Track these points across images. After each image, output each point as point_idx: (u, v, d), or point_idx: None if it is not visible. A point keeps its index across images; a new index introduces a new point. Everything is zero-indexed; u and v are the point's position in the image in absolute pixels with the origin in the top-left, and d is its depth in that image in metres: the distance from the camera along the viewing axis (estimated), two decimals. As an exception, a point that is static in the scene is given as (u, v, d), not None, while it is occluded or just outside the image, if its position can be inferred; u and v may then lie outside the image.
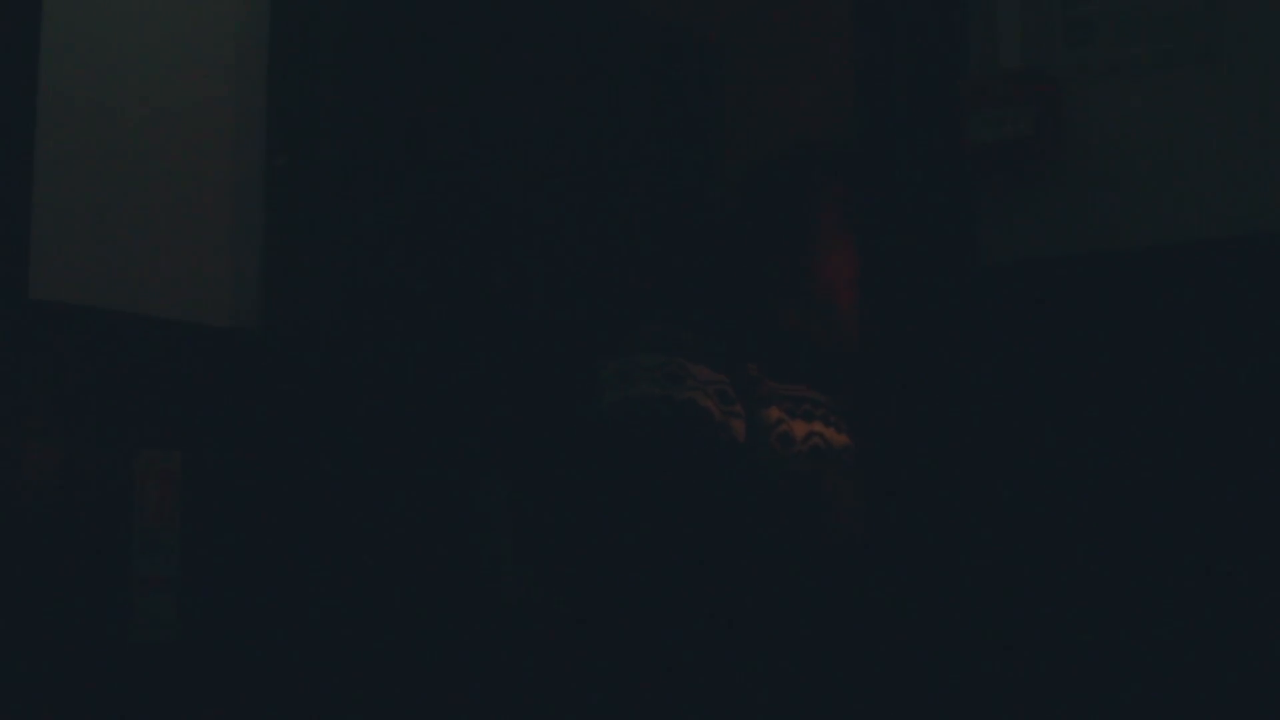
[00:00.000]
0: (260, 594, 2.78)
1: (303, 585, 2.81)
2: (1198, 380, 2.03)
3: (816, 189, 2.58)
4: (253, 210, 2.90)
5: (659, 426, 2.29)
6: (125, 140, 2.70)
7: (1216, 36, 2.09)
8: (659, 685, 2.34)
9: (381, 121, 2.97)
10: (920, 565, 2.17)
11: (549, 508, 2.71)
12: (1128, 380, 2.07)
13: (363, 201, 2.94)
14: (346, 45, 2.95)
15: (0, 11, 2.43)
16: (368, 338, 2.91)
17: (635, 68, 3.34)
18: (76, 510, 2.53)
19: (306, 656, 2.78)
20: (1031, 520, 2.12)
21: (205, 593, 2.71)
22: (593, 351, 2.48)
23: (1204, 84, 2.11)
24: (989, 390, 2.16)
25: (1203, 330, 2.03)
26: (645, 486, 2.30)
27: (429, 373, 2.95)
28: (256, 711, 2.72)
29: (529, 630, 2.69)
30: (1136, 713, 1.99)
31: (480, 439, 2.92)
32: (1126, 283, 2.10)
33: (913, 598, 2.16)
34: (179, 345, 2.72)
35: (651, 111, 3.30)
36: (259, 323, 2.88)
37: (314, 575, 2.82)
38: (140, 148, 2.73)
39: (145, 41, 2.75)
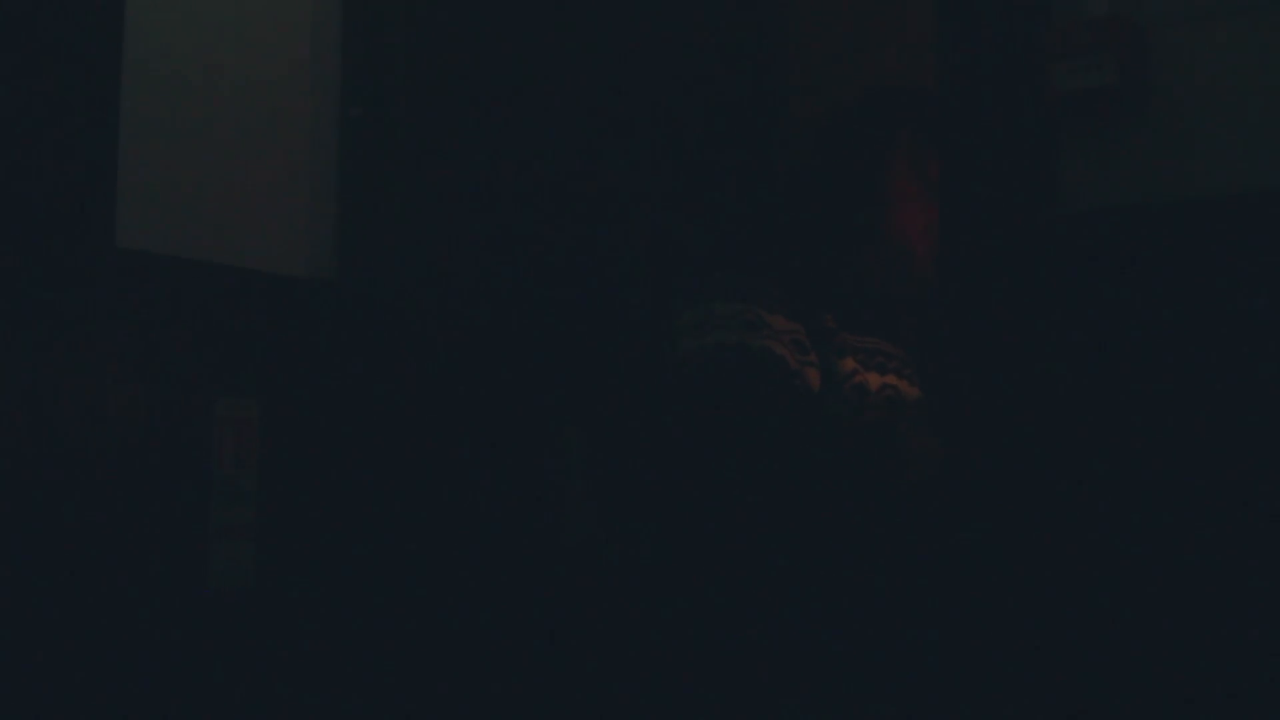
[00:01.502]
0: (336, 541, 2.81)
1: (378, 533, 2.83)
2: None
3: (890, 135, 2.57)
4: (328, 162, 2.92)
5: (733, 373, 2.30)
6: (206, 95, 2.73)
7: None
8: (731, 632, 2.36)
9: (454, 72, 2.98)
10: (994, 512, 2.18)
11: (624, 457, 2.73)
12: (1211, 327, 2.07)
13: (436, 151, 2.95)
14: (420, -2, 2.96)
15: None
16: (442, 286, 2.92)
17: (703, 13, 3.33)
18: (156, 457, 2.56)
19: (381, 604, 2.81)
20: (1109, 468, 2.12)
21: (281, 539, 2.74)
22: (669, 299, 2.49)
23: (1287, 32, 2.10)
24: (1070, 336, 2.16)
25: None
26: (719, 433, 2.31)
27: (504, 321, 2.96)
28: (331, 657, 2.76)
29: (602, 578, 2.71)
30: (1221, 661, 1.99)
31: (556, 389, 2.93)
32: (1210, 230, 2.09)
33: (986, 546, 2.16)
34: (257, 294, 2.75)
35: (718, 57, 3.29)
36: (335, 272, 2.90)
37: (389, 523, 2.84)
38: (220, 102, 2.75)
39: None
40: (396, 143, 2.92)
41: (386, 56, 2.93)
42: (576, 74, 3.12)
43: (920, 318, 2.62)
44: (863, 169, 2.56)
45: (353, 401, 2.84)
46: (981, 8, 2.22)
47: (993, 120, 2.19)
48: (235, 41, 2.78)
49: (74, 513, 2.42)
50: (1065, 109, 2.16)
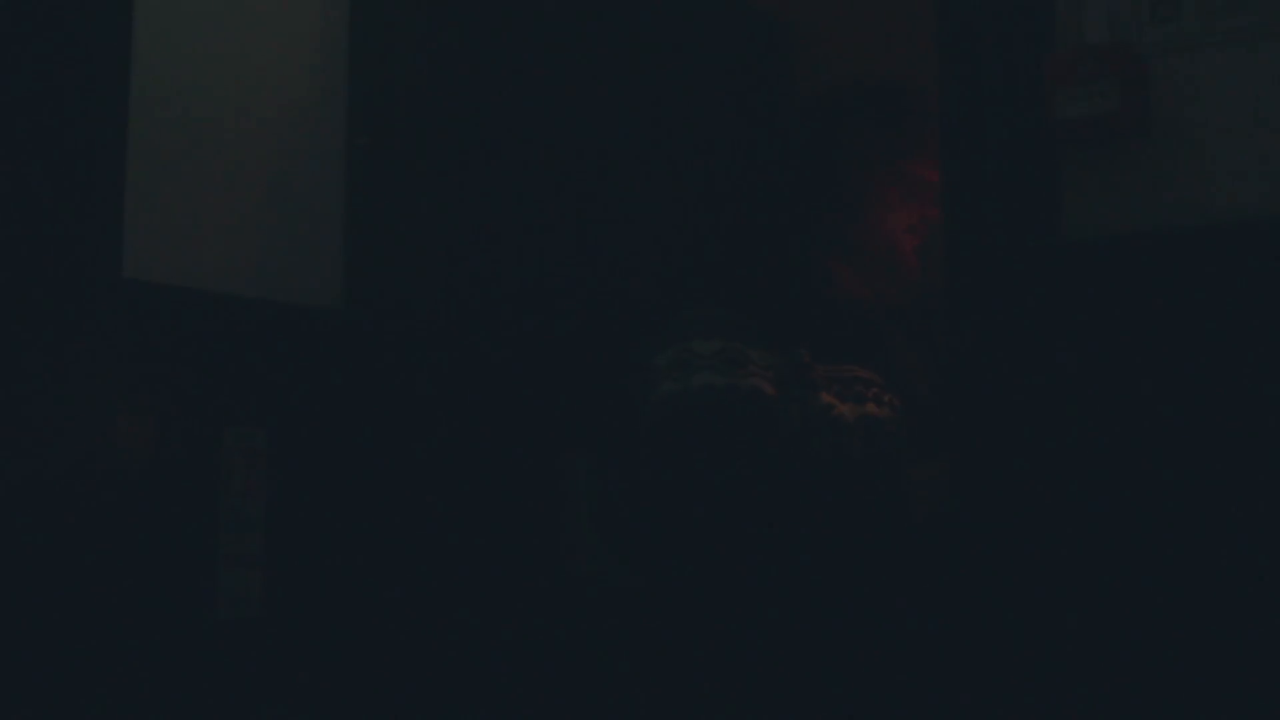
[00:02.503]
0: (344, 571, 2.81)
1: (385, 562, 2.84)
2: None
3: (850, 134, 2.51)
4: (335, 191, 2.94)
5: (724, 416, 2.22)
6: (213, 123, 2.74)
7: (1305, 10, 2.09)
8: (730, 661, 2.35)
9: (461, 101, 3.00)
10: (1001, 543, 2.17)
11: (627, 486, 2.73)
12: (1213, 357, 2.06)
13: (444, 180, 2.97)
14: (427, 26, 2.98)
15: (96, -3, 2.48)
16: (449, 316, 2.93)
17: (697, 46, 3.36)
18: (164, 486, 2.57)
19: (388, 633, 2.81)
20: (1110, 499, 2.11)
21: (289, 570, 2.74)
22: (639, 338, 2.39)
23: (1292, 58, 2.10)
24: (1072, 366, 2.15)
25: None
26: (706, 480, 2.26)
27: (510, 350, 2.97)
28: (339, 688, 2.75)
29: (606, 607, 2.70)
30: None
31: (562, 418, 2.94)
32: (1213, 258, 2.09)
33: (992, 579, 2.16)
34: (265, 324, 2.76)
35: (725, 98, 3.32)
36: (343, 302, 2.91)
37: (397, 552, 2.84)
38: (227, 130, 2.77)
39: (231, 26, 2.79)
40: (403, 172, 2.94)
41: (394, 86, 2.95)
42: (584, 103, 3.14)
43: (910, 325, 2.57)
44: (821, 172, 2.49)
45: (360, 430, 2.85)
46: (982, 33, 2.22)
47: (994, 146, 2.19)
48: (242, 71, 2.80)
49: (81, 542, 2.43)
50: (1067, 136, 2.15)
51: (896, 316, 2.54)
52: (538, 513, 2.91)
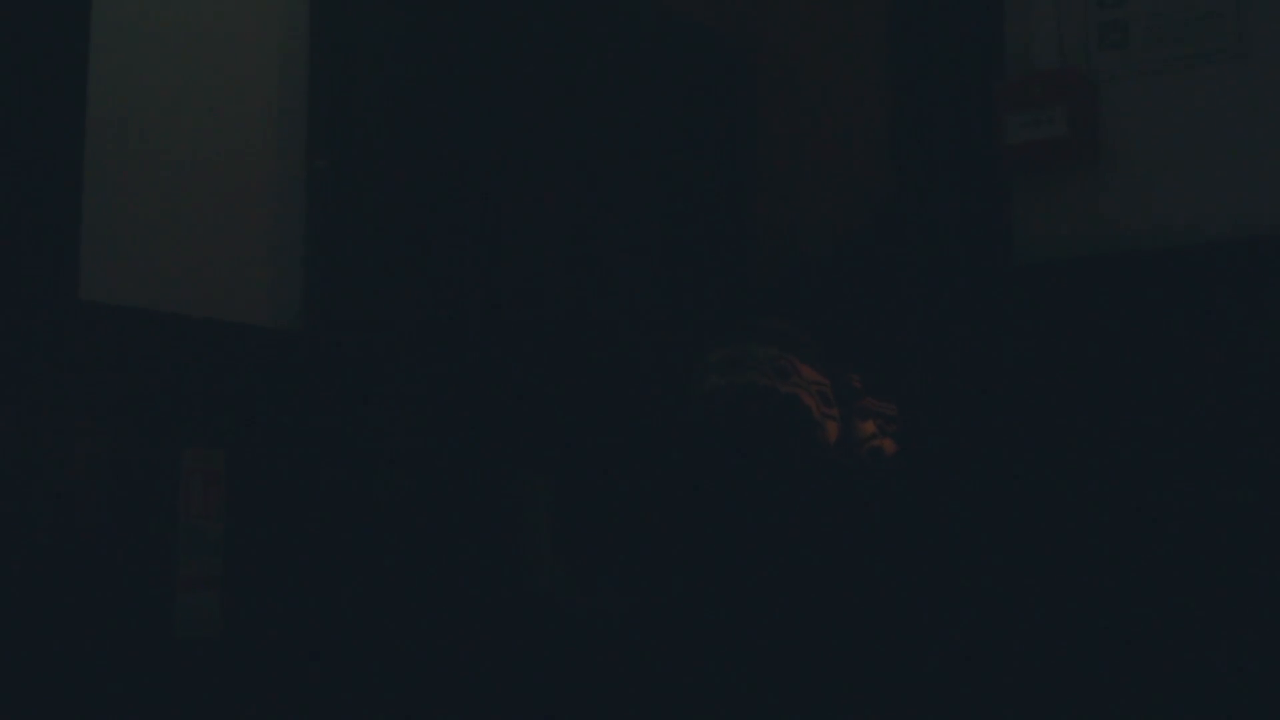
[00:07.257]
0: (302, 591, 2.81)
1: (344, 582, 2.84)
2: (1231, 379, 2.04)
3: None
4: (294, 212, 2.94)
5: (759, 416, 2.37)
6: (171, 145, 2.74)
7: (1248, 35, 2.11)
8: (690, 679, 2.38)
9: (422, 122, 3.01)
10: (949, 558, 2.19)
11: (591, 504, 2.75)
12: (1161, 379, 2.09)
13: (403, 201, 2.97)
14: (386, 48, 2.98)
15: (52, 10, 2.47)
16: (408, 337, 2.94)
17: (671, 71, 3.37)
18: (122, 507, 2.57)
19: (347, 653, 2.81)
20: (1058, 518, 2.13)
21: (248, 590, 2.74)
22: (698, 334, 2.53)
23: (1236, 83, 2.12)
24: (1021, 388, 2.17)
25: (1236, 329, 2.04)
26: (733, 470, 2.38)
27: (469, 371, 2.97)
28: (298, 708, 2.75)
29: (564, 627, 2.72)
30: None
31: (521, 437, 2.94)
32: (1159, 282, 2.11)
33: (939, 593, 2.18)
34: (223, 345, 2.76)
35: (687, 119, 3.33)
36: (301, 323, 2.91)
37: (355, 572, 2.84)
38: (185, 152, 2.77)
39: (189, 47, 2.79)
40: (362, 194, 2.94)
41: (352, 107, 2.95)
42: (547, 122, 3.15)
43: None
44: None
45: (319, 452, 2.85)
46: (932, 60, 2.24)
47: (944, 171, 2.21)
48: (200, 92, 2.80)
49: (38, 564, 2.42)
50: (1016, 161, 2.18)
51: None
52: (497, 531, 2.92)
